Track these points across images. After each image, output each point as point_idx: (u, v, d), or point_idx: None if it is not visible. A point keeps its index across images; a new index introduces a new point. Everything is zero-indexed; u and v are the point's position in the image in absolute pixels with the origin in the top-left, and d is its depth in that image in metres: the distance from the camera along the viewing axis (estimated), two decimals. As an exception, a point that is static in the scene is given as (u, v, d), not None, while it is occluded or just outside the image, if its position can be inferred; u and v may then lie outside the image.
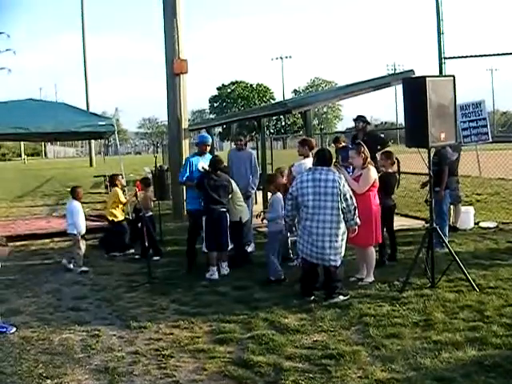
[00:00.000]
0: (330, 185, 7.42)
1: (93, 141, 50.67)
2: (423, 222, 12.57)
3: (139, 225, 10.06)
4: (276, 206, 8.70)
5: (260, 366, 5.51)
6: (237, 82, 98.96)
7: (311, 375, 5.29)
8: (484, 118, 12.69)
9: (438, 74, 13.61)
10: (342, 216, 7.47)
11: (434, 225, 8.14)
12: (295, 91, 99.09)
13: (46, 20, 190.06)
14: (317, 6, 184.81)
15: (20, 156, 77.50)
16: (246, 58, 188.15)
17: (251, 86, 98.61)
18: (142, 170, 25.50)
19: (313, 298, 7.60)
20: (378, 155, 10.35)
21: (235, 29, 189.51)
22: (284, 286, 8.33)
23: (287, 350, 5.92)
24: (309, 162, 9.23)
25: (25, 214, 18.25)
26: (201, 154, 10.06)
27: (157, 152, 68.48)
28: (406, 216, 13.79)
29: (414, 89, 7.67)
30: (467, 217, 12.41)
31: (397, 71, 75.53)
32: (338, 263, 7.56)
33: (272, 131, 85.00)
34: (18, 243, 12.49)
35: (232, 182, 9.76)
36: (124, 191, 12.14)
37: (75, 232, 9.96)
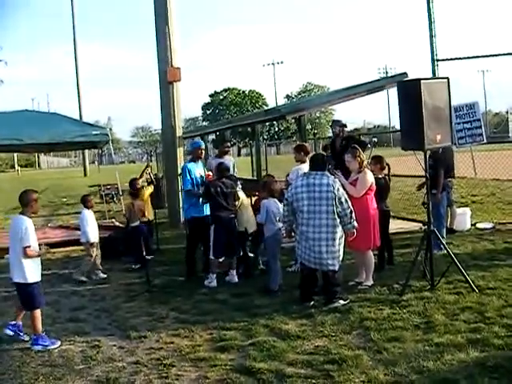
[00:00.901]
0: (324, 189, 7.44)
1: (86, 150, 50.65)
2: (420, 225, 12.56)
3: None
4: (262, 210, 8.70)
5: (262, 372, 5.49)
6: (229, 88, 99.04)
7: (314, 381, 5.28)
8: (478, 119, 12.71)
9: (430, 76, 13.66)
10: (338, 220, 7.47)
11: (432, 227, 8.14)
12: (288, 97, 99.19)
13: (38, 30, 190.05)
14: (308, 11, 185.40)
15: (13, 167, 77.31)
16: (238, 64, 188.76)
17: (243, 92, 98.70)
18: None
19: (312, 303, 7.58)
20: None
21: (227, 37, 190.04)
22: (283, 292, 8.29)
23: (289, 356, 5.90)
24: (305, 167, 9.24)
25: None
26: (195, 160, 10.02)
27: (151, 160, 68.40)
28: (403, 219, 13.79)
29: (409, 92, 7.68)
30: (464, 218, 12.42)
31: (389, 74, 76.02)
32: (337, 267, 7.56)
33: (265, 137, 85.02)
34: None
35: (240, 190, 9.79)
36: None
37: (84, 240, 10.01)
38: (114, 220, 16.50)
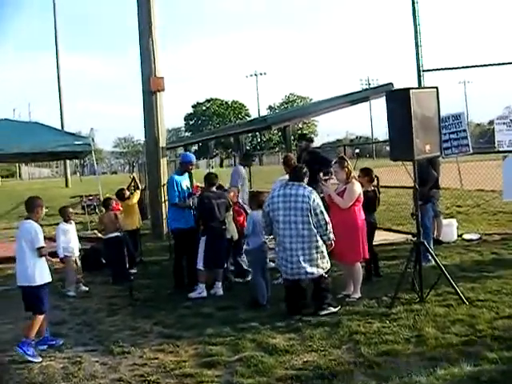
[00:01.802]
0: (299, 199, 7.40)
1: (68, 161, 50.25)
2: (406, 236, 12.48)
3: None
4: (249, 221, 8.56)
5: (250, 389, 5.31)
6: (212, 99, 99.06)
7: (304, 398, 5.11)
8: (464, 130, 12.65)
9: (415, 86, 13.61)
10: (315, 231, 7.39)
11: (421, 238, 8.03)
12: (270, 108, 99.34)
13: (21, 38, 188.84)
14: (290, 22, 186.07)
15: (-7, 178, 76.43)
16: (221, 75, 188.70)
17: (226, 103, 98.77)
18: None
19: (300, 316, 7.41)
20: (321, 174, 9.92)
21: (210, 47, 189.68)
22: (270, 304, 8.10)
23: (277, 371, 5.72)
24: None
25: (0, 237, 17.84)
26: (182, 172, 9.87)
27: (133, 171, 68.08)
28: (389, 230, 13.70)
29: (398, 101, 7.58)
30: (450, 229, 12.34)
31: (371, 85, 76.33)
32: (316, 275, 7.47)
33: (248, 148, 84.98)
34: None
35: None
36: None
37: (60, 254, 9.71)
38: (96, 231, 16.23)
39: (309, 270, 7.40)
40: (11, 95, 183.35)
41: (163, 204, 14.12)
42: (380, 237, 11.16)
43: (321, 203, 7.55)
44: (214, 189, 9.29)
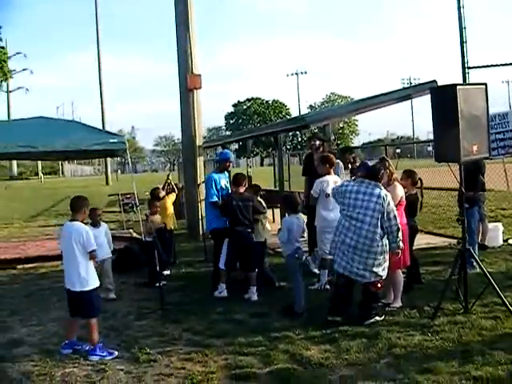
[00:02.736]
0: (374, 199, 7.00)
1: (109, 159, 50.59)
2: (449, 240, 11.98)
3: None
4: (284, 229, 8.07)
5: (281, 407, 4.96)
6: (253, 98, 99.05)
7: (339, 418, 4.73)
8: (511, 130, 12.12)
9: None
10: (379, 235, 7.00)
11: (467, 245, 7.55)
12: (311, 107, 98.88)
13: (64, 39, 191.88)
14: (330, 22, 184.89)
15: (37, 174, 77.71)
16: (262, 74, 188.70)
17: (267, 102, 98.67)
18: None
19: (340, 318, 7.07)
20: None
21: (252, 47, 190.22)
22: (306, 312, 7.70)
23: (311, 387, 5.36)
24: (330, 178, 8.84)
25: (37, 235, 17.87)
26: (221, 171, 9.58)
27: (173, 169, 68.37)
28: (431, 233, 13.20)
29: (444, 99, 7.06)
30: (495, 234, 11.80)
31: (413, 84, 75.03)
32: (367, 279, 7.12)
33: (288, 147, 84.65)
34: (27, 266, 12.07)
35: (261, 200, 9.43)
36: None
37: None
38: (131, 231, 16.10)
39: (361, 272, 7.06)
40: (56, 93, 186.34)
41: (199, 203, 13.84)
42: (421, 240, 10.70)
43: (395, 208, 7.17)
44: (241, 190, 8.95)
